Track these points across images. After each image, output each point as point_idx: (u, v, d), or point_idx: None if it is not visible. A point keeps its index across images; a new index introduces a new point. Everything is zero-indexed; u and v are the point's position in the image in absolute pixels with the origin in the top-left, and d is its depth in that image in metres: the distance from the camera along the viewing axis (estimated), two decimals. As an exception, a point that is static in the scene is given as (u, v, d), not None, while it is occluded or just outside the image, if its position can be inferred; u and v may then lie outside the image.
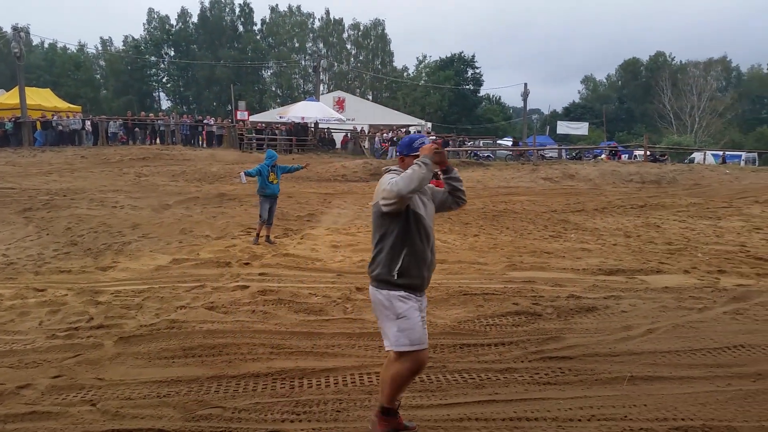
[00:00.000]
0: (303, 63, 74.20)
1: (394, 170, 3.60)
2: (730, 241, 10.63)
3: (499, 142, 43.01)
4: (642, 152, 31.88)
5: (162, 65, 72.89)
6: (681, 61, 74.06)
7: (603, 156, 32.92)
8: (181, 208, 13.80)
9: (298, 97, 64.59)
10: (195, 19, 72.62)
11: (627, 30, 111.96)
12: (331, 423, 3.81)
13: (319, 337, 5.45)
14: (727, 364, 4.85)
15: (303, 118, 31.04)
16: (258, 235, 10.08)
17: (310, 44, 77.13)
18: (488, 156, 32.93)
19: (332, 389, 4.34)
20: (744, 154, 38.61)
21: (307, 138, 31.55)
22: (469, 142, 38.67)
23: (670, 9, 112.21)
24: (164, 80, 74.22)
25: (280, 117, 33.88)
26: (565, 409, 4.02)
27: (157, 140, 29.69)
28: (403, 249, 3.40)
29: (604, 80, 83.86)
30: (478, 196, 16.72)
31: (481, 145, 37.93)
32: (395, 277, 3.38)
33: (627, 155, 36.02)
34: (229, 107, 45.92)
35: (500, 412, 3.97)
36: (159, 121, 31.32)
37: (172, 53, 73.55)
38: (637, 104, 73.35)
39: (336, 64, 75.18)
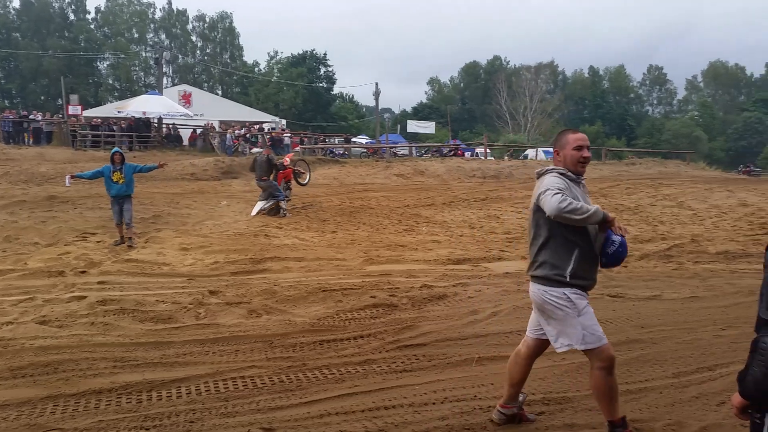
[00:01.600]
0: (143, 54, 69.55)
1: (555, 171, 3.39)
2: (560, 228, 11.75)
3: (353, 140, 43.74)
4: (482, 149, 34.18)
5: (-22, 55, 64.23)
6: (515, 65, 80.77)
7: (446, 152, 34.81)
8: (5, 213, 12.25)
9: (139, 90, 60.45)
10: (16, 4, 64.99)
11: (468, 34, 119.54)
12: (184, 435, 3.61)
13: (168, 346, 5.13)
14: (561, 340, 5.34)
15: (145, 112, 29.01)
16: (122, 236, 9.63)
17: (151, 35, 72.67)
18: (343, 153, 33.33)
19: (185, 400, 4.10)
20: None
21: (150, 134, 29.57)
22: (328, 139, 38.88)
23: (507, 15, 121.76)
24: (-19, 71, 65.54)
25: (119, 112, 31.33)
26: (421, 393, 4.19)
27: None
28: (574, 249, 3.29)
29: (448, 82, 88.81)
30: (335, 193, 16.85)
31: (337, 142, 38.34)
32: (567, 278, 3.28)
33: (470, 153, 38.41)
34: (60, 101, 41.68)
35: (359, 403, 4.03)
36: (-26, 117, 27.55)
37: (-10, 41, 65.13)
38: (477, 105, 78.62)
39: (180, 56, 71.46)
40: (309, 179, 14.64)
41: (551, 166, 3.52)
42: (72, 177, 10.13)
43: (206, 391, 4.25)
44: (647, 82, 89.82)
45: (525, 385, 4.33)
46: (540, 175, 3.52)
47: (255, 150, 28.39)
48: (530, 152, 39.43)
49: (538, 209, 3.32)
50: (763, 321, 1.92)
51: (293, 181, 14.38)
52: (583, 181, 3.53)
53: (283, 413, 3.90)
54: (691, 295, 6.98)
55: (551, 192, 3.19)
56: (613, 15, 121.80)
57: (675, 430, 3.76)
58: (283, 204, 13.18)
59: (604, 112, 74.90)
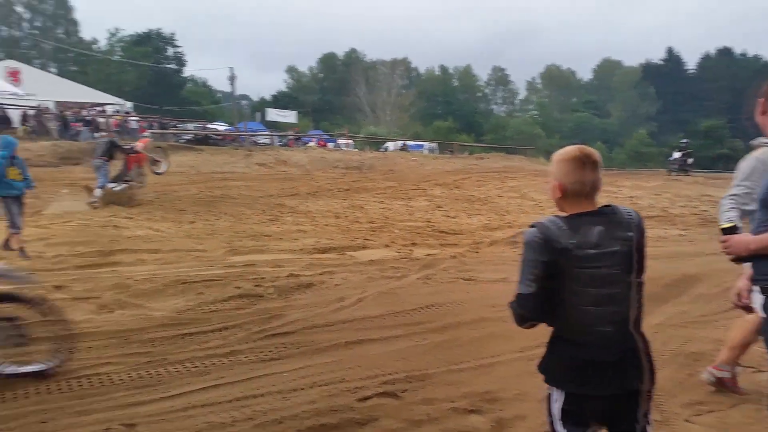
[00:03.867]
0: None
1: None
2: (419, 218, 12.33)
3: (209, 126, 41.99)
4: (344, 141, 34.65)
5: None
6: (371, 59, 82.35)
7: (312, 143, 34.79)
8: None
9: (-49, 65, 52.84)
10: None
11: (325, 25, 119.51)
12: (35, 437, 3.33)
13: (10, 346, 4.64)
14: (421, 322, 5.65)
15: (-37, 91, 25.54)
16: (7, 242, 7.91)
17: (-36, 2, 63.78)
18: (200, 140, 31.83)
19: (34, 400, 3.79)
20: (427, 144, 44.95)
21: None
22: (180, 125, 36.86)
23: (361, 8, 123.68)
24: None
25: (-72, 90, 27.27)
26: (289, 380, 4.21)
27: None
28: None
29: (307, 72, 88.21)
30: (192, 182, 16.16)
31: (191, 128, 36.58)
32: None
33: (332, 143, 38.69)
34: None
35: (226, 394, 3.97)
36: None
37: None
38: (336, 96, 79.07)
39: (4, 27, 63.54)
40: (166, 168, 13.92)
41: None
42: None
43: (58, 390, 3.95)
44: (492, 82, 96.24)
45: (390, 365, 4.56)
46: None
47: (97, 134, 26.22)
48: (390, 144, 40.61)
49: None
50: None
51: (148, 169, 13.58)
52: None
53: (145, 408, 3.73)
54: (534, 277, 7.68)
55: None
56: (460, 17, 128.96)
57: (522, 399, 4.15)
58: (97, 192, 12.15)
59: (454, 109, 78.91)
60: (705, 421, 3.55)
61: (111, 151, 12.50)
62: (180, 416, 3.66)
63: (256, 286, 6.61)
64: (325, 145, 33.59)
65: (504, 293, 6.94)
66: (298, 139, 35.39)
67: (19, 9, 66.26)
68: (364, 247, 9.10)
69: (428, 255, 8.68)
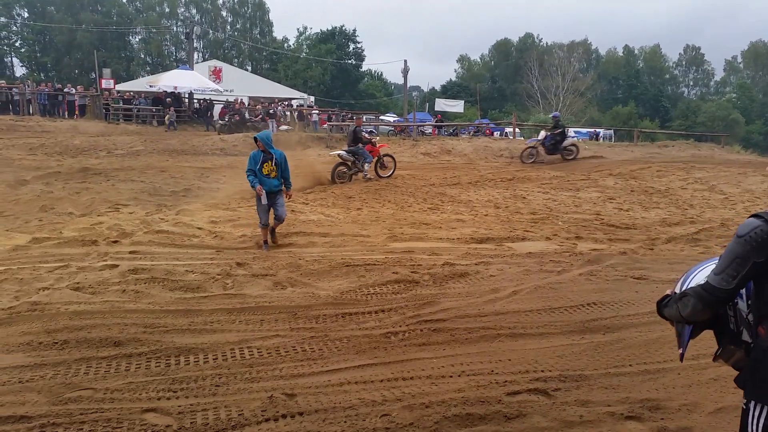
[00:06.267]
0: (174, 29, 70.05)
1: None
2: (587, 210, 11.65)
3: (381, 118, 43.64)
4: (511, 129, 33.80)
5: (14, 27, 65.37)
6: (547, 43, 79.06)
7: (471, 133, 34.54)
8: (41, 183, 12.65)
9: (170, 65, 61.02)
10: (50, -23, 65.78)
11: (500, 11, 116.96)
12: (209, 398, 3.77)
13: (196, 314, 5.31)
14: (581, 320, 5.38)
15: (176, 87, 29.39)
16: (266, 241, 8.08)
17: (182, 10, 73.00)
18: (371, 131, 33.30)
19: (211, 365, 4.28)
20: (602, 131, 42.24)
21: (181, 109, 29.94)
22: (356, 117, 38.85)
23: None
24: (17, 44, 66.72)
25: (150, 86, 31.86)
26: (438, 366, 4.29)
27: (11, 110, 26.82)
28: None
29: (479, 60, 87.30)
30: (361, 171, 16.93)
31: (364, 120, 38.35)
32: None
33: (499, 132, 38.02)
34: (93, 75, 42.39)
35: (378, 374, 4.15)
36: (13, 90, 28.23)
37: (26, 14, 66.20)
38: (508, 83, 77.30)
39: (211, 31, 71.78)
40: (390, 174, 15.46)
41: None
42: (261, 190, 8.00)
43: (232, 357, 4.41)
44: (683, 63, 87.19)
45: (543, 362, 4.42)
46: None
47: (283, 128, 28.63)
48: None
49: None
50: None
51: (375, 168, 15.25)
52: None
53: (305, 380, 4.04)
54: (716, 279, 6.89)
55: None
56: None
57: (690, 410, 3.80)
58: (366, 166, 14.61)
59: (638, 93, 73.08)
60: None
61: (356, 138, 14.78)
62: (336, 390, 3.91)
63: (412, 272, 6.77)
64: (491, 134, 33.09)
65: (678, 295, 6.33)
66: (440, 128, 35.31)
67: (224, 13, 74.39)
68: (524, 239, 8.84)
69: (594, 250, 8.18)
